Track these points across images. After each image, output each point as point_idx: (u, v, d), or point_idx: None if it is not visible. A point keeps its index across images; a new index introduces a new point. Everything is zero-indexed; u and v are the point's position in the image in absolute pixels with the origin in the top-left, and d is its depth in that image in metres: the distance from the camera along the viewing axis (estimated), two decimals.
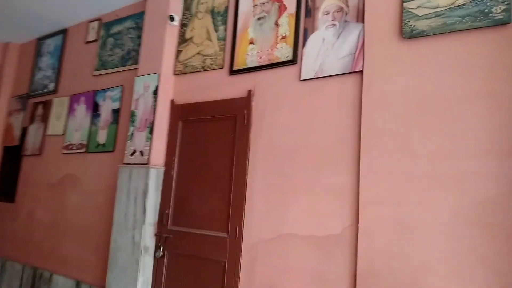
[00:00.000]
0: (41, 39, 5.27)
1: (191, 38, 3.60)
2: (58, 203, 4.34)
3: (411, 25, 2.38)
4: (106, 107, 4.15)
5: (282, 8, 3.06)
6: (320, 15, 2.85)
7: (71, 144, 4.38)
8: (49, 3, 4.37)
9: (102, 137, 4.10)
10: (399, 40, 2.44)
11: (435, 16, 2.31)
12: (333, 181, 2.57)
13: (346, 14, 2.73)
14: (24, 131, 5.07)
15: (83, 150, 4.23)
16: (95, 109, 4.26)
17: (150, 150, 3.38)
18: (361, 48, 2.59)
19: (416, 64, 2.36)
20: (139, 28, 4.10)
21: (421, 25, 2.35)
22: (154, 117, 3.44)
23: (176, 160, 3.41)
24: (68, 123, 4.50)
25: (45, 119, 4.82)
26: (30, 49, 5.40)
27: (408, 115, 2.34)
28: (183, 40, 3.66)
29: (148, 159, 3.37)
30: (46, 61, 5.11)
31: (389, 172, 2.33)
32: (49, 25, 4.95)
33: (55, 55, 5.00)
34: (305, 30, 2.90)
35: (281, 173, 2.80)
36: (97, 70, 4.37)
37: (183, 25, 3.70)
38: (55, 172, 4.48)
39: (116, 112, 4.04)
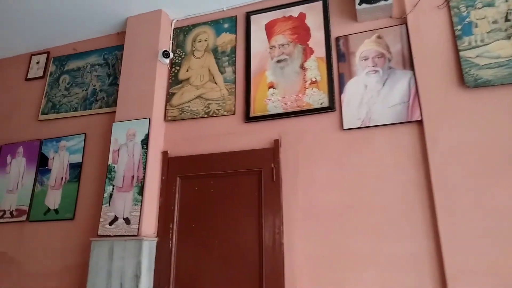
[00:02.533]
0: None
1: (187, 79, 3.04)
2: None
3: (473, 74, 2.25)
4: (60, 161, 3.21)
5: (307, 51, 2.75)
6: (357, 60, 2.61)
7: (0, 211, 3.24)
8: None
9: (53, 200, 3.10)
10: (459, 89, 2.29)
11: (498, 66, 2.23)
12: (400, 249, 2.17)
13: (389, 60, 2.53)
14: None
15: (21, 219, 3.14)
16: (41, 163, 3.27)
17: (140, 216, 2.60)
18: (414, 97, 2.38)
19: (483, 114, 2.20)
20: (108, 65, 3.38)
21: (485, 74, 2.23)
22: (145, 173, 2.70)
23: (175, 228, 2.66)
24: None
25: None
26: None
27: (483, 169, 2.12)
28: (176, 81, 3.07)
29: (139, 228, 2.57)
30: None
31: (475, 235, 2.03)
32: None
33: None
34: (341, 75, 2.61)
35: (329, 241, 2.32)
36: (44, 113, 3.43)
37: (173, 64, 3.13)
38: None
39: (76, 167, 3.13)
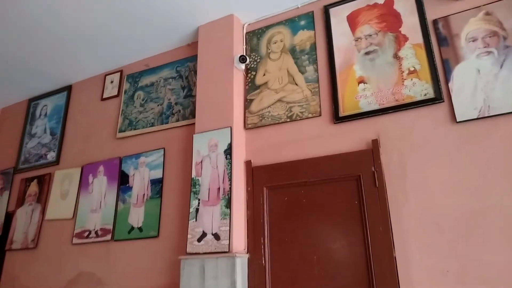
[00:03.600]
0: (33, 100, 4.27)
1: (265, 84, 2.86)
2: None
3: None
4: (140, 177, 3.16)
5: (400, 39, 2.46)
6: (462, 42, 2.27)
7: (85, 231, 3.25)
8: (48, 58, 3.52)
9: (136, 218, 3.05)
10: None
11: None
12: None
13: (505, 38, 2.16)
14: (8, 217, 3.83)
15: (107, 238, 3.11)
16: (122, 181, 3.25)
17: (230, 231, 2.42)
18: None
19: None
20: (181, 77, 3.32)
21: None
22: (231, 184, 2.53)
23: (266, 243, 2.46)
24: (80, 202, 3.40)
25: (42, 199, 3.67)
26: (17, 112, 4.35)
27: None
28: (253, 87, 2.91)
29: (230, 244, 2.39)
30: (41, 126, 4.07)
31: None
32: (45, 82, 4.01)
33: (55, 117, 4.00)
34: (445, 62, 2.28)
35: (455, 253, 1.97)
36: (122, 131, 3.43)
37: (249, 70, 2.98)
38: (61, 272, 3.25)
39: (157, 182, 3.06)
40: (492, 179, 1.99)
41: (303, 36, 2.84)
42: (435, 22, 2.39)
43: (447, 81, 2.24)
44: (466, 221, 1.98)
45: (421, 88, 2.29)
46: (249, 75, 2.96)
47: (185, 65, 3.34)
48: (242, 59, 2.80)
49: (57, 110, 4.02)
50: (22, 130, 4.19)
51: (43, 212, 3.60)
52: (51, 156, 3.82)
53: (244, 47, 3.04)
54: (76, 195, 3.45)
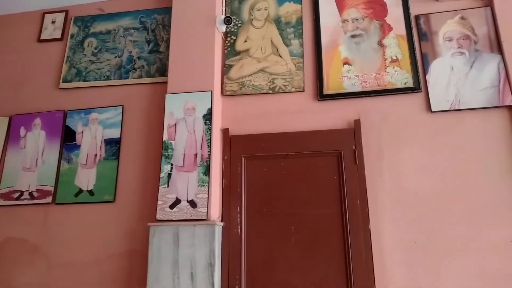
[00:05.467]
0: None
1: (246, 51, 2.76)
2: None
3: None
4: (91, 136, 2.80)
5: (385, 28, 2.60)
6: (440, 40, 2.50)
7: (15, 191, 2.78)
8: None
9: (85, 180, 2.71)
10: None
11: None
12: (498, 235, 2.13)
13: (475, 42, 2.45)
14: None
15: (46, 201, 2.71)
16: (67, 138, 2.84)
17: (208, 199, 2.32)
18: (505, 81, 2.33)
19: None
20: (146, 29, 3.00)
21: None
22: (210, 151, 2.41)
23: (243, 212, 2.42)
24: (7, 157, 2.88)
25: None
26: None
27: None
28: (232, 52, 2.78)
29: (208, 212, 2.30)
30: None
31: None
32: None
33: None
34: (424, 55, 2.50)
35: (422, 227, 2.21)
36: (67, 81, 2.98)
37: (228, 34, 2.84)
38: None
39: (113, 143, 2.75)
40: (457, 165, 2.27)
41: (289, 9, 2.80)
42: (417, 17, 2.59)
43: (425, 73, 2.46)
44: (434, 200, 2.24)
45: (402, 77, 2.47)
46: (228, 39, 2.82)
47: (151, 17, 3.02)
48: (227, 20, 2.64)
49: None
50: None
51: None
52: None
53: (224, 8, 2.86)
54: (2, 149, 2.91)
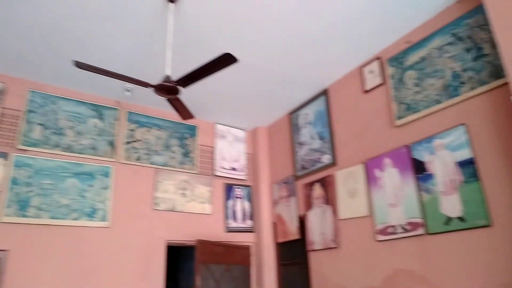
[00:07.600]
0: (292, 112, 4.60)
1: None
2: None
3: None
4: (441, 162, 2.81)
5: None
6: None
7: (389, 227, 3.13)
8: (305, 69, 3.66)
9: (450, 207, 2.70)
10: None
11: None
12: None
13: None
14: (301, 220, 4.17)
15: (418, 232, 2.89)
16: (417, 169, 2.98)
17: None
18: None
19: None
20: (461, 39, 2.82)
21: None
22: None
23: None
24: (373, 198, 3.33)
25: (329, 200, 3.81)
26: (281, 126, 4.79)
27: None
28: None
29: None
30: (307, 134, 4.31)
31: None
32: (302, 92, 4.24)
33: (319, 123, 4.16)
34: None
35: None
36: (401, 118, 3.19)
37: None
38: (371, 269, 3.23)
39: (465, 164, 2.64)
40: None
41: None
42: None
43: None
44: None
45: None
46: None
47: (461, 25, 2.84)
48: None
49: (319, 115, 4.17)
50: (290, 141, 4.56)
51: (335, 212, 3.72)
52: (327, 158, 3.95)
53: None
54: (366, 192, 3.40)
